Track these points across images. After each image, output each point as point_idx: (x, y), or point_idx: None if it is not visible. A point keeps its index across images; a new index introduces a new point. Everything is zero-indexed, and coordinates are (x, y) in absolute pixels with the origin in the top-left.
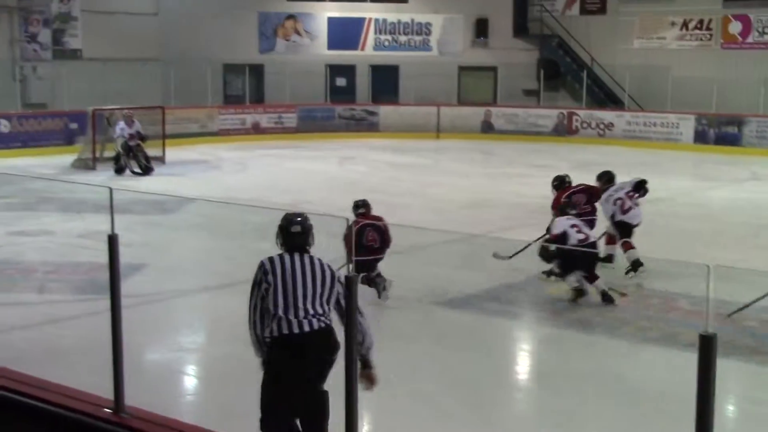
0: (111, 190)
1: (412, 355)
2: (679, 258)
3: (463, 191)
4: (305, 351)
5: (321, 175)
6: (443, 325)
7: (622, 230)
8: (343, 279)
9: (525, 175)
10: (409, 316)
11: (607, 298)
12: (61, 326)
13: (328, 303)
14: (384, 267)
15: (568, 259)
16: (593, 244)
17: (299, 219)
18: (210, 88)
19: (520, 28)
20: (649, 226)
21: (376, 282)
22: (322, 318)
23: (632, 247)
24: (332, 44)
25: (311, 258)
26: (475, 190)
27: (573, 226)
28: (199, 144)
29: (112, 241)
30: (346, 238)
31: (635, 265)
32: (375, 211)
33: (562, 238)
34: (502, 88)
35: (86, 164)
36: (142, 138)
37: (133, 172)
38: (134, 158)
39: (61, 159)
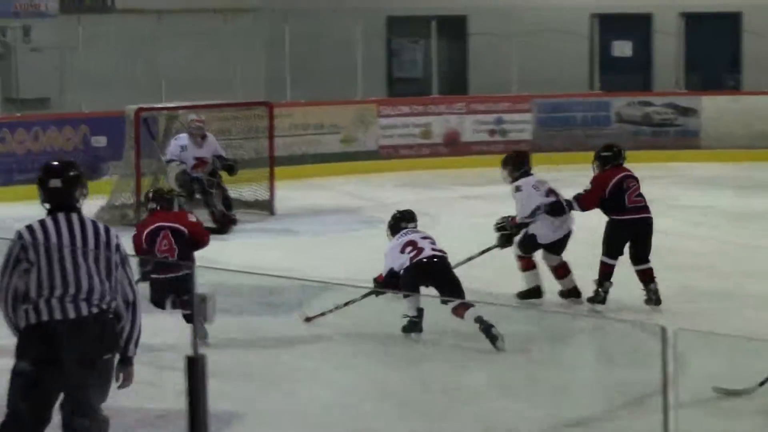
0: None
1: None
2: None
3: None
4: (65, 341)
5: (583, 237)
6: None
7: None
8: (123, 250)
9: None
10: None
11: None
12: None
13: (108, 279)
14: None
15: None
16: (439, 259)
17: (59, 169)
18: (361, 65)
19: None
20: None
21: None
22: (96, 300)
23: None
24: None
25: (81, 220)
26: None
27: (406, 245)
28: (341, 175)
29: (194, 366)
30: (135, 245)
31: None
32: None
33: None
34: None
35: (124, 215)
36: (229, 167)
37: None
38: (205, 202)
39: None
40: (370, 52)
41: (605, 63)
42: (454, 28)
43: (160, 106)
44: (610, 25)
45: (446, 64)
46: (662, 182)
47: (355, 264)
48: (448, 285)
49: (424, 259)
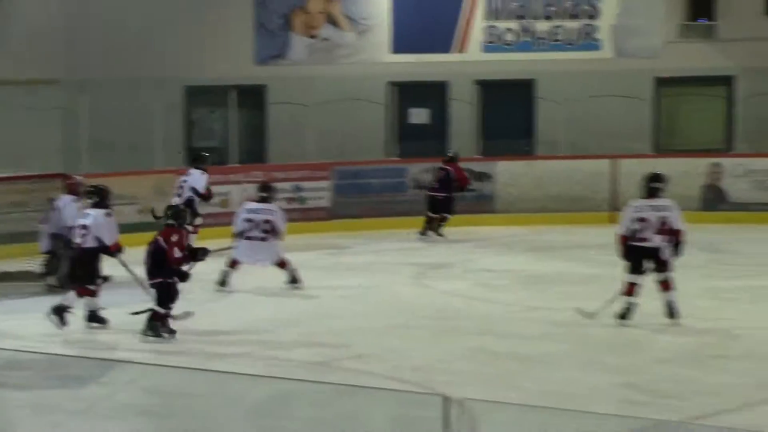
0: None
1: None
2: None
3: (668, 329)
4: None
5: (380, 304)
6: None
7: None
8: None
9: None
10: None
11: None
12: None
13: None
14: None
15: None
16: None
17: None
18: (158, 133)
19: None
20: None
21: None
22: None
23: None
24: (401, 43)
25: None
26: (705, 329)
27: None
28: (138, 246)
29: None
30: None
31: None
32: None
33: None
34: (746, 119)
35: None
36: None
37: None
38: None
39: None
40: (169, 121)
41: (403, 130)
42: (252, 97)
43: None
44: (407, 93)
45: (245, 133)
46: (459, 246)
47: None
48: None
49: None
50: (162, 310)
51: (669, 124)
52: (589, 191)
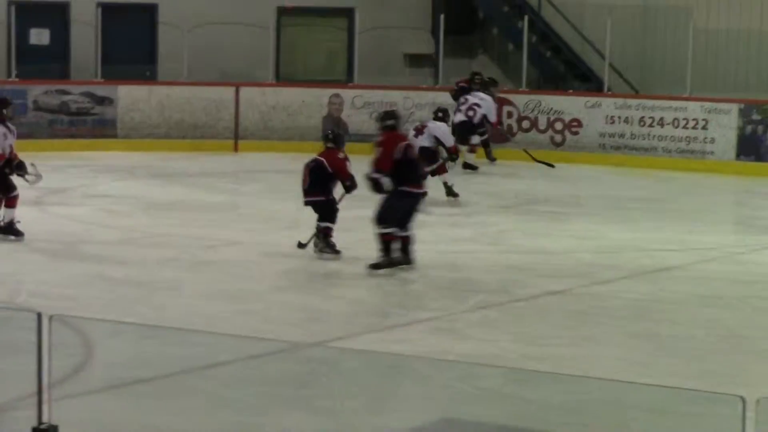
0: None
1: None
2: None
3: (287, 257)
4: None
5: None
6: None
7: None
8: None
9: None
10: None
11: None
12: None
13: None
14: None
15: None
16: None
17: None
18: None
19: None
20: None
21: None
22: None
23: None
24: None
25: None
26: (316, 258)
27: None
28: None
29: None
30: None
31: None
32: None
33: None
34: (365, 52)
35: None
36: None
37: None
38: None
39: None
40: None
41: (23, 51)
42: None
43: None
44: (28, 12)
45: None
46: (79, 171)
47: None
48: None
49: None
50: (332, 225)
51: (290, 54)
52: (212, 118)
